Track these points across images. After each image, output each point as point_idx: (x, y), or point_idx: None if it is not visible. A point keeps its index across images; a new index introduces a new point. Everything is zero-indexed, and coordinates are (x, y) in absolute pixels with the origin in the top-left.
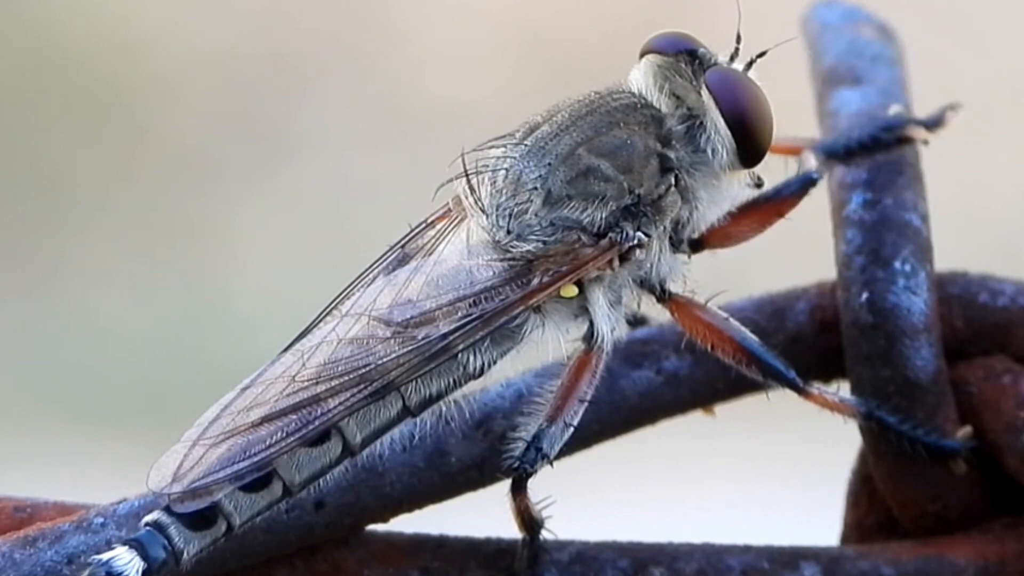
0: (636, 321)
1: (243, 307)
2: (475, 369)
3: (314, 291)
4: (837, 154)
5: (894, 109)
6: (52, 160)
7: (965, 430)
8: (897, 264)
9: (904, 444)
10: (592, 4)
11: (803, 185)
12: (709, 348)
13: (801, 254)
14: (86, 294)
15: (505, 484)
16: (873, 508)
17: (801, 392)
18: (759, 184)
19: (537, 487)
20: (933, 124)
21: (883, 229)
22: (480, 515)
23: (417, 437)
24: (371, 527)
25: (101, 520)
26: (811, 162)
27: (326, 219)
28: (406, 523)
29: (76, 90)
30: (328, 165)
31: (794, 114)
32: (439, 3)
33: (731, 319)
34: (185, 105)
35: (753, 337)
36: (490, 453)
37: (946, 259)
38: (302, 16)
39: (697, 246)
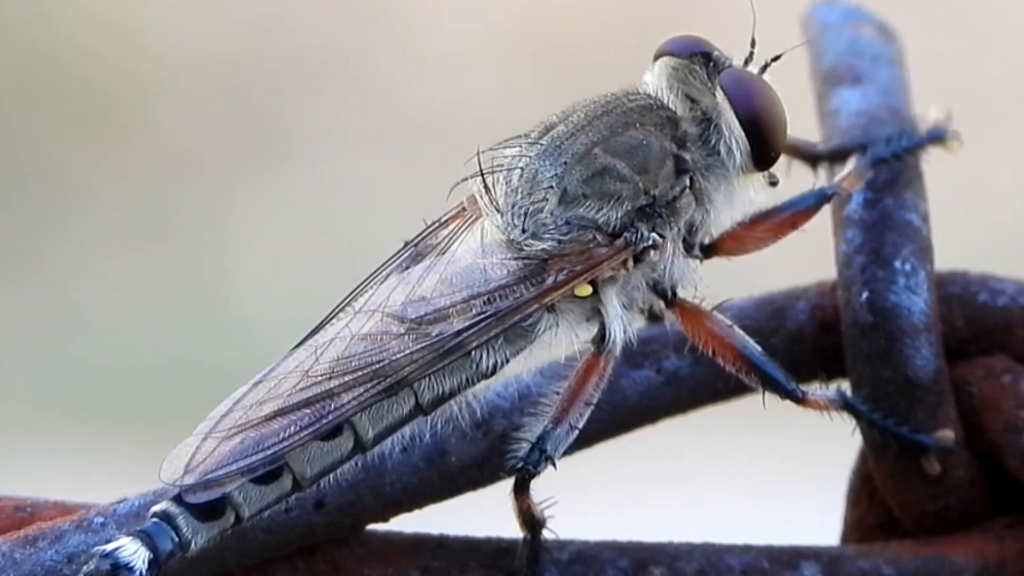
0: (652, 317)
1: (242, 307)
2: (488, 368)
3: (313, 291)
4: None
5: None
6: (52, 160)
7: (945, 432)
8: (897, 264)
9: (876, 435)
10: (591, 5)
11: (819, 200)
12: (711, 354)
13: (801, 254)
14: (85, 294)
15: (505, 483)
16: (873, 507)
17: (801, 402)
18: (774, 183)
19: (538, 486)
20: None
21: (883, 229)
22: (480, 515)
23: (427, 436)
24: (371, 527)
25: (101, 520)
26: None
27: (325, 219)
28: (406, 523)
29: (76, 90)
30: (327, 165)
31: (794, 113)
32: (439, 3)
33: (735, 327)
34: (185, 105)
35: (756, 346)
36: (490, 453)
37: (946, 259)
38: (302, 16)
39: (709, 252)
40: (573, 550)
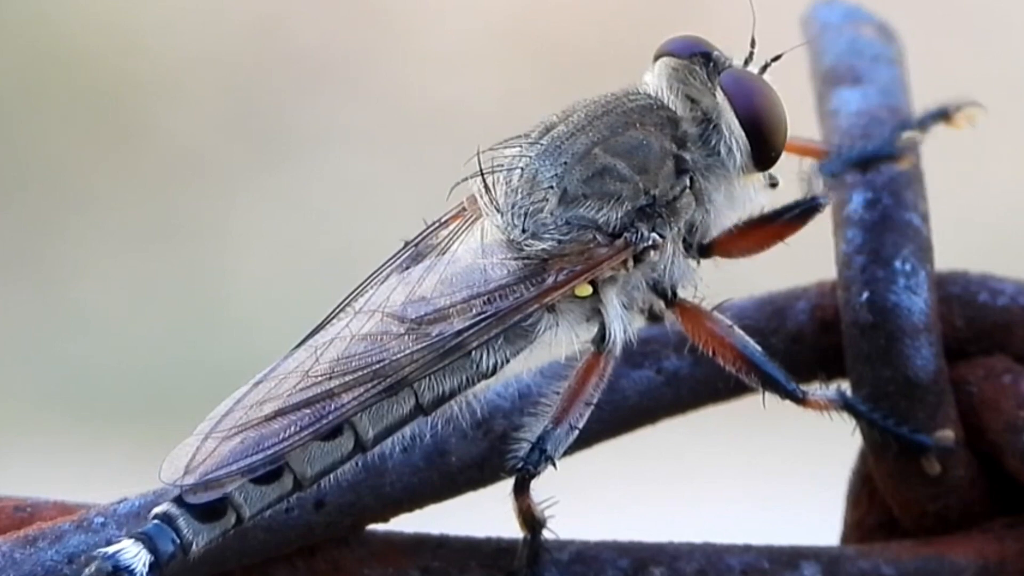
0: (652, 317)
1: (242, 307)
2: (488, 368)
3: (313, 291)
4: (840, 172)
5: (907, 135)
6: (52, 160)
7: (945, 432)
8: (897, 263)
9: (876, 435)
10: (591, 5)
11: (807, 211)
12: (711, 354)
13: (801, 254)
14: (85, 294)
15: (505, 483)
16: (873, 508)
17: (801, 402)
18: (774, 184)
19: (538, 486)
20: (937, 117)
21: (883, 228)
22: (480, 515)
23: (427, 436)
24: (371, 527)
25: (101, 520)
26: (818, 186)
27: (325, 219)
28: (406, 523)
29: (76, 90)
30: (327, 165)
31: (794, 113)
32: (439, 3)
33: (735, 327)
34: (185, 105)
35: (756, 346)
36: (490, 452)
37: (946, 259)
38: (302, 16)
39: (703, 253)
40: (573, 550)
